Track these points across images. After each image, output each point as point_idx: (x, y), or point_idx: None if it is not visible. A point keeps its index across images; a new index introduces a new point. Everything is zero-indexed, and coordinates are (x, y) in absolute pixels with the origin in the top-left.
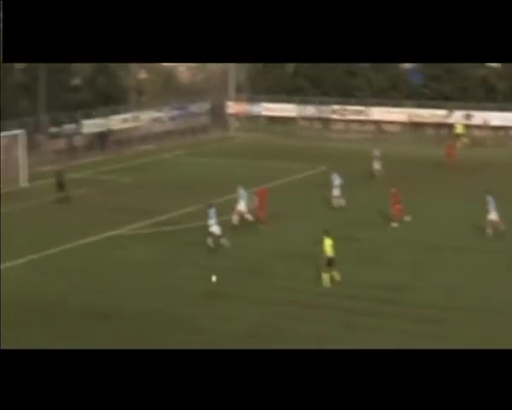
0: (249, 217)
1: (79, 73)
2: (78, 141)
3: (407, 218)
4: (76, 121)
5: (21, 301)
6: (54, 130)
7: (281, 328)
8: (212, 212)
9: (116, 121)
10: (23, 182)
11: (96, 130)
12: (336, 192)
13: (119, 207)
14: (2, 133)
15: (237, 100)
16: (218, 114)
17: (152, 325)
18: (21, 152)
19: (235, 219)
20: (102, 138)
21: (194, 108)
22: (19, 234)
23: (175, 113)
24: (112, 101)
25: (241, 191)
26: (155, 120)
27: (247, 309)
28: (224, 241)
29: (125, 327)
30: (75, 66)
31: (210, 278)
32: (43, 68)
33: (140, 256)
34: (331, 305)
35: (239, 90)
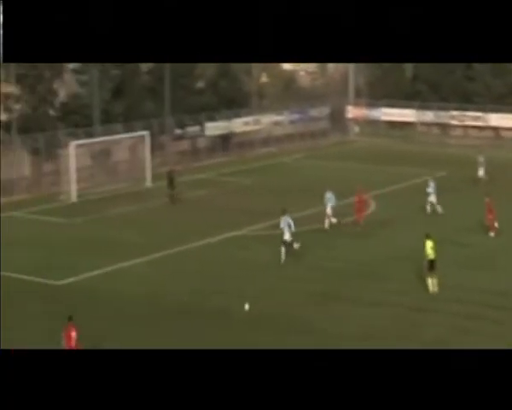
0: (333, 220)
1: (203, 76)
2: (201, 143)
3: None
4: (199, 124)
5: (140, 299)
6: (178, 132)
7: (390, 330)
8: (285, 219)
9: (238, 124)
10: (147, 182)
11: (219, 132)
12: (432, 198)
13: (239, 209)
14: (129, 134)
15: (356, 105)
16: (337, 118)
17: (263, 325)
18: (146, 153)
19: (327, 223)
20: (225, 141)
21: (314, 112)
22: (141, 233)
23: (295, 116)
24: (234, 104)
25: (329, 195)
26: (276, 123)
27: (358, 311)
28: (295, 245)
29: (236, 327)
30: (199, 69)
31: (323, 281)
32: (168, 71)
33: (258, 257)
34: (441, 309)
35: (358, 94)
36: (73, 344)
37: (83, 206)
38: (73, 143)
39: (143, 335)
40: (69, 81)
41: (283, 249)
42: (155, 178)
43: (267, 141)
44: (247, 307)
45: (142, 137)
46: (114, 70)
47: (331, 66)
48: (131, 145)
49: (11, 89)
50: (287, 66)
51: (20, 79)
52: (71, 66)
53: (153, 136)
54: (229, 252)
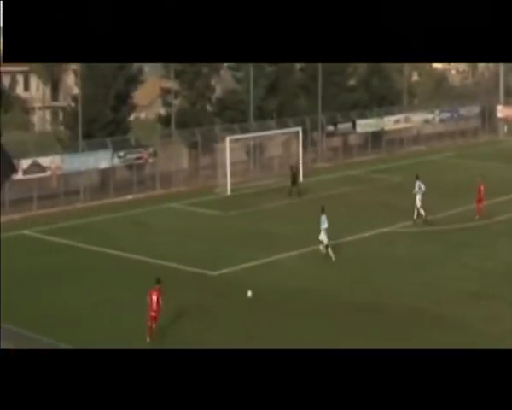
0: (422, 212)
1: (355, 74)
2: (353, 140)
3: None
4: (351, 121)
5: (295, 293)
6: (330, 128)
7: None
8: (324, 218)
9: (389, 122)
10: (300, 177)
11: (370, 129)
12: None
13: (389, 205)
14: (282, 130)
15: (507, 104)
16: (487, 117)
17: (414, 322)
18: (299, 149)
19: (421, 213)
20: (375, 138)
21: (464, 111)
22: (292, 227)
23: (445, 115)
24: (385, 102)
25: (419, 185)
26: (426, 121)
27: (511, 311)
28: (322, 248)
29: (388, 324)
30: (351, 67)
31: (475, 279)
32: (320, 69)
33: (408, 254)
34: None
35: (509, 94)
36: (154, 307)
37: (237, 199)
38: (229, 138)
39: (308, 328)
40: (225, 77)
41: (328, 250)
42: (307, 174)
43: (417, 139)
44: (249, 293)
45: (295, 133)
46: (269, 68)
47: (481, 65)
48: (284, 141)
49: (170, 84)
50: (437, 65)
51: (179, 75)
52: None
53: (305, 132)
54: (378, 248)
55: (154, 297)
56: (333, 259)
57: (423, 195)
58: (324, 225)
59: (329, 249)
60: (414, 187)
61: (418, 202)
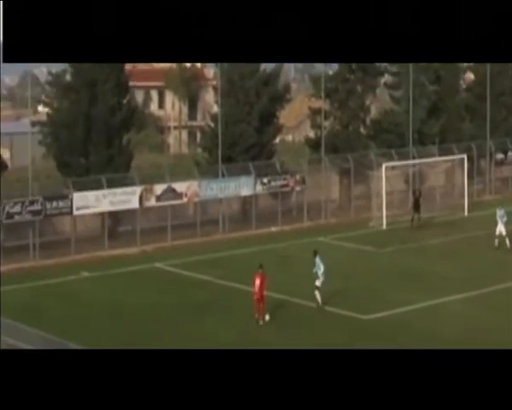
0: (507, 241)
1: None
2: None
3: None
4: None
5: (452, 343)
6: (499, 156)
7: None
8: (318, 261)
9: None
10: (464, 211)
11: None
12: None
13: None
14: (445, 157)
15: None
16: None
17: None
18: (463, 178)
19: (496, 242)
20: None
21: None
22: (456, 266)
23: None
24: None
25: (500, 212)
26: None
27: None
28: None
29: None
30: None
31: None
32: (489, 88)
33: None
34: None
35: None
36: (257, 290)
37: (394, 234)
38: (385, 165)
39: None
40: (381, 97)
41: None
42: (474, 206)
43: None
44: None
45: (460, 160)
46: (431, 86)
47: None
48: (447, 169)
49: (320, 104)
50: None
51: (329, 94)
52: (383, 79)
53: (471, 160)
54: None
55: (258, 281)
56: (319, 303)
57: None
58: (320, 269)
59: (317, 292)
60: None
61: (502, 229)
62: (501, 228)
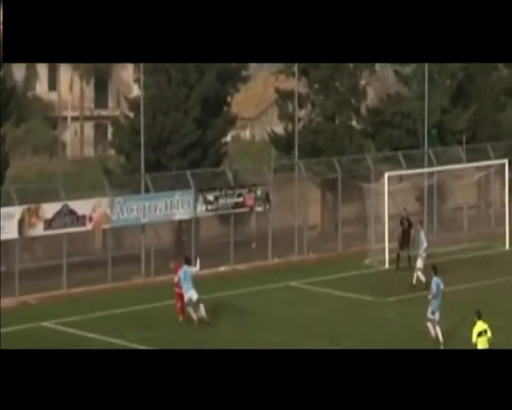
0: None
1: None
2: None
3: None
4: None
5: None
6: None
7: None
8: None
9: None
10: (501, 241)
11: None
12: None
13: None
14: (477, 163)
15: None
16: None
17: None
18: (503, 194)
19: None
20: None
21: None
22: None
23: None
24: None
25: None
26: None
27: None
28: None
29: None
30: None
31: None
32: None
33: None
34: None
35: None
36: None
37: (400, 276)
38: (388, 174)
39: None
40: (383, 75)
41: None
42: None
43: None
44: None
45: (498, 167)
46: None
47: None
48: (480, 181)
49: (293, 85)
50: None
51: (306, 70)
52: None
53: None
54: None
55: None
56: None
57: None
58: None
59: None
60: None
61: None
62: None
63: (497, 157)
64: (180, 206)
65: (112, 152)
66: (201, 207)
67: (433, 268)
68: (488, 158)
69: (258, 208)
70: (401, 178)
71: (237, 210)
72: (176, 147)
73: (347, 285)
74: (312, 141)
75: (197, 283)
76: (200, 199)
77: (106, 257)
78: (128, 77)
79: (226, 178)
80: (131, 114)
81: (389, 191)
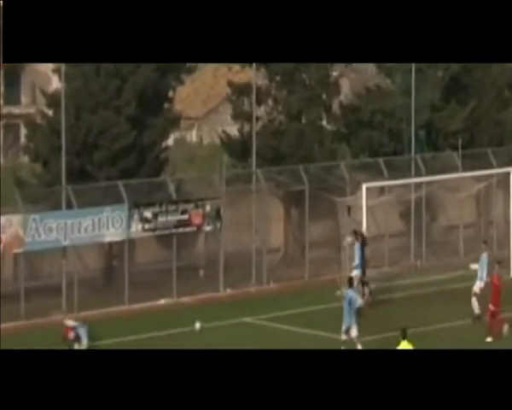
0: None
1: None
2: None
3: None
4: None
5: None
6: None
7: None
8: None
9: None
10: (507, 268)
11: None
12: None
13: None
14: (475, 172)
15: None
16: None
17: None
18: (507, 210)
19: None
20: None
21: None
22: None
23: None
24: None
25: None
26: None
27: None
28: None
29: None
30: None
31: None
32: None
33: None
34: None
35: None
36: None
37: (380, 310)
38: (366, 186)
39: None
40: (360, 67)
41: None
42: None
43: None
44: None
45: (502, 177)
46: None
47: None
48: (480, 194)
49: (249, 76)
50: None
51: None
52: None
53: None
54: None
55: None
56: None
57: None
58: None
59: None
60: None
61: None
62: None
63: (499, 165)
64: (110, 225)
65: (25, 159)
66: (137, 227)
67: (348, 281)
68: (489, 166)
69: (207, 228)
70: (382, 189)
71: (181, 230)
72: (105, 152)
73: (315, 322)
74: (274, 145)
75: (130, 321)
76: (136, 216)
77: (18, 288)
78: (46, 67)
79: (167, 190)
80: (50, 112)
81: (368, 206)
